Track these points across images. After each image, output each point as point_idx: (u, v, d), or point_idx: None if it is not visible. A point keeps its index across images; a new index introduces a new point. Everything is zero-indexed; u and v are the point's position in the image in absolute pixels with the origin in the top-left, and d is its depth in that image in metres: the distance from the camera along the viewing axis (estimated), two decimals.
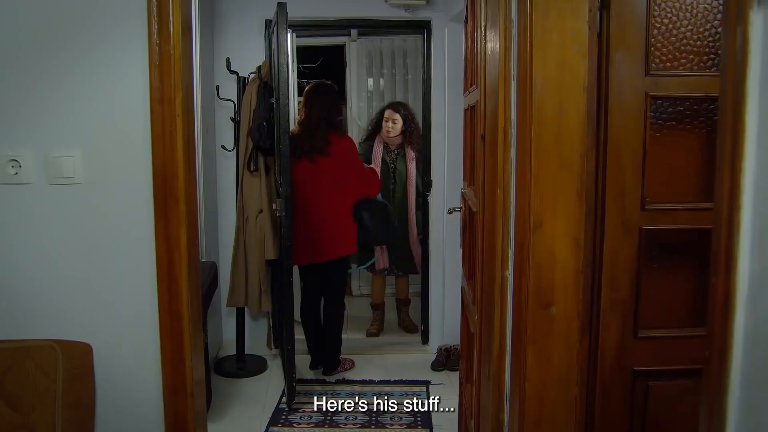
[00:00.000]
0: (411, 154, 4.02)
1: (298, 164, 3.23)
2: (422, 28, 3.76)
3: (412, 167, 4.02)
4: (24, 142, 1.66)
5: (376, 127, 4.08)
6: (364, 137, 4.23)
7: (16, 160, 1.66)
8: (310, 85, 3.49)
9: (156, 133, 1.62)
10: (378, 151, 4.04)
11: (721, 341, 0.83)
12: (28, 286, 1.71)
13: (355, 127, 4.91)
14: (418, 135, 4.01)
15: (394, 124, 3.95)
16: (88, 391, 1.69)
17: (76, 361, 1.64)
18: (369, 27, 4.36)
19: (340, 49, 4.96)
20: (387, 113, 4.00)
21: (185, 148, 1.64)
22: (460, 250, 2.54)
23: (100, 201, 1.69)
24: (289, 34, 3.72)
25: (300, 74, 4.70)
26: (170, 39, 1.58)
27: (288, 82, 3.12)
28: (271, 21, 3.35)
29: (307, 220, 3.30)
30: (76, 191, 1.68)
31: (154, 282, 1.67)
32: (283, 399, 3.18)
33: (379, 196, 3.70)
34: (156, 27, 1.58)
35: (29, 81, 1.65)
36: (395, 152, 4.07)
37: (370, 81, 5.03)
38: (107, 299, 1.72)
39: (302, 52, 4.79)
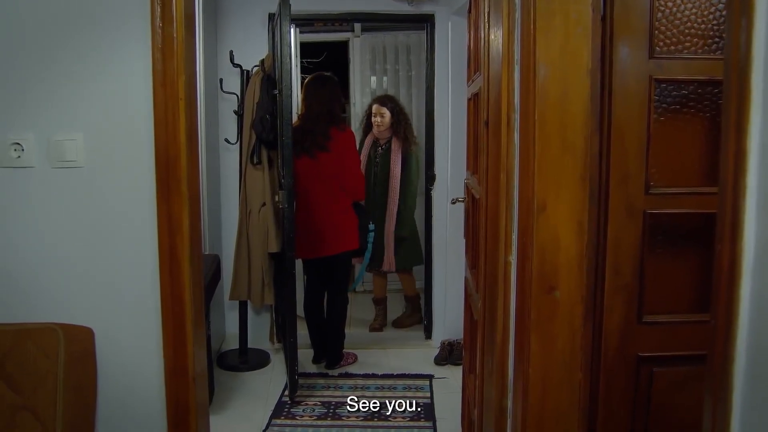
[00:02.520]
0: (396, 146, 3.96)
1: (298, 160, 3.20)
2: (425, 21, 3.75)
3: (396, 159, 3.96)
4: (27, 125, 1.67)
5: (368, 124, 4.06)
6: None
7: (19, 144, 1.66)
8: (309, 76, 3.47)
9: (159, 116, 1.62)
10: (366, 146, 4.02)
11: (726, 310, 0.81)
12: (29, 269, 1.71)
13: (358, 124, 4.90)
14: (407, 126, 3.98)
15: (383, 118, 3.93)
16: (90, 374, 1.69)
17: (77, 344, 1.63)
18: (372, 21, 4.36)
19: (343, 46, 4.96)
20: (374, 108, 3.98)
21: (188, 131, 1.64)
22: (463, 246, 2.53)
23: (102, 184, 1.69)
24: (292, 28, 3.73)
25: (303, 69, 4.69)
26: (173, 21, 1.58)
27: (291, 74, 3.12)
28: (274, 14, 3.34)
29: (309, 216, 3.30)
30: (78, 174, 1.68)
31: (156, 265, 1.67)
32: (286, 392, 3.17)
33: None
34: (159, 10, 1.57)
35: (31, 65, 1.65)
36: (383, 147, 4.03)
37: (374, 78, 5.03)
38: (109, 283, 1.72)
39: (306, 49, 4.79)
